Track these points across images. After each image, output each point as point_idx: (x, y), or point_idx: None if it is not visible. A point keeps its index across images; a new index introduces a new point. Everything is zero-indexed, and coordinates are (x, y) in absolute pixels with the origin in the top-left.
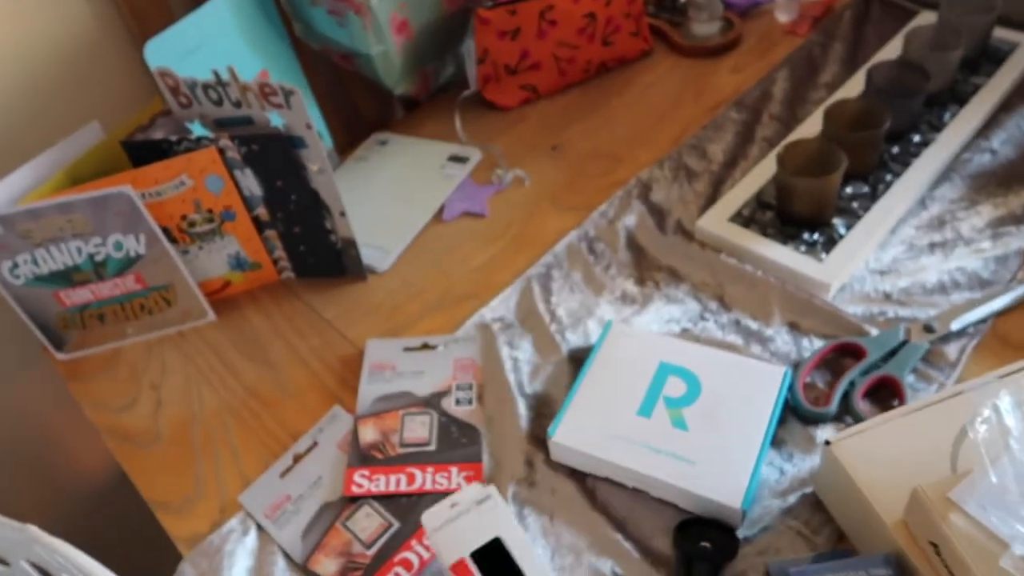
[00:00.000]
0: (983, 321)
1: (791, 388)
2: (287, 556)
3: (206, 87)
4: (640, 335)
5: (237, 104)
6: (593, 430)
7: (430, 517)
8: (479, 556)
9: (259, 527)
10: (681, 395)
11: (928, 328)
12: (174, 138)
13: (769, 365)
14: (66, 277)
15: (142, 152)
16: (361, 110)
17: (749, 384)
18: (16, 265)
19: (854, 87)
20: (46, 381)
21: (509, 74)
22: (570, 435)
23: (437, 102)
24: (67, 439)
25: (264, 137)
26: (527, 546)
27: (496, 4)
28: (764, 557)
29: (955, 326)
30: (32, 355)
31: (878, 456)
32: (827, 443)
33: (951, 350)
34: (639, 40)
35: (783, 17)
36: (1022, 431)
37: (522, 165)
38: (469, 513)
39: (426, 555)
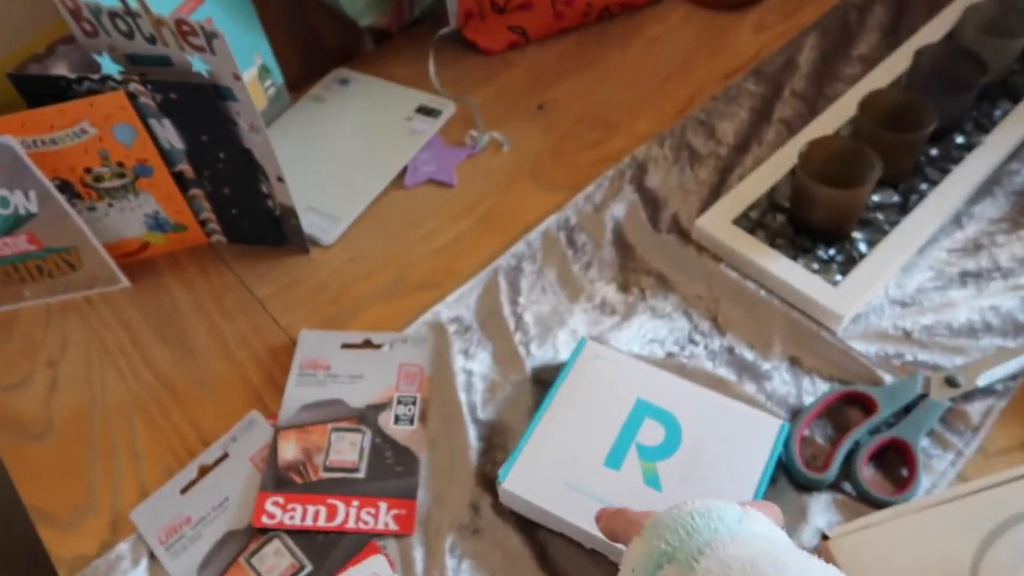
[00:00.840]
0: (1014, 378)
1: (786, 444)
2: None
3: (113, 15)
4: (618, 360)
5: (151, 40)
6: (550, 479)
7: None
8: None
9: (152, 555)
10: (657, 444)
11: (951, 381)
12: (74, 76)
13: (764, 415)
14: None
15: (35, 88)
16: (323, 39)
17: (738, 438)
18: None
19: (894, 66)
20: None
21: (496, 12)
22: (523, 482)
23: (412, 37)
24: None
25: (184, 85)
26: None
27: None
28: None
29: (982, 381)
30: None
31: (884, 561)
32: (825, 537)
33: (975, 410)
34: None
35: None
36: None
37: (501, 126)
38: None
39: None
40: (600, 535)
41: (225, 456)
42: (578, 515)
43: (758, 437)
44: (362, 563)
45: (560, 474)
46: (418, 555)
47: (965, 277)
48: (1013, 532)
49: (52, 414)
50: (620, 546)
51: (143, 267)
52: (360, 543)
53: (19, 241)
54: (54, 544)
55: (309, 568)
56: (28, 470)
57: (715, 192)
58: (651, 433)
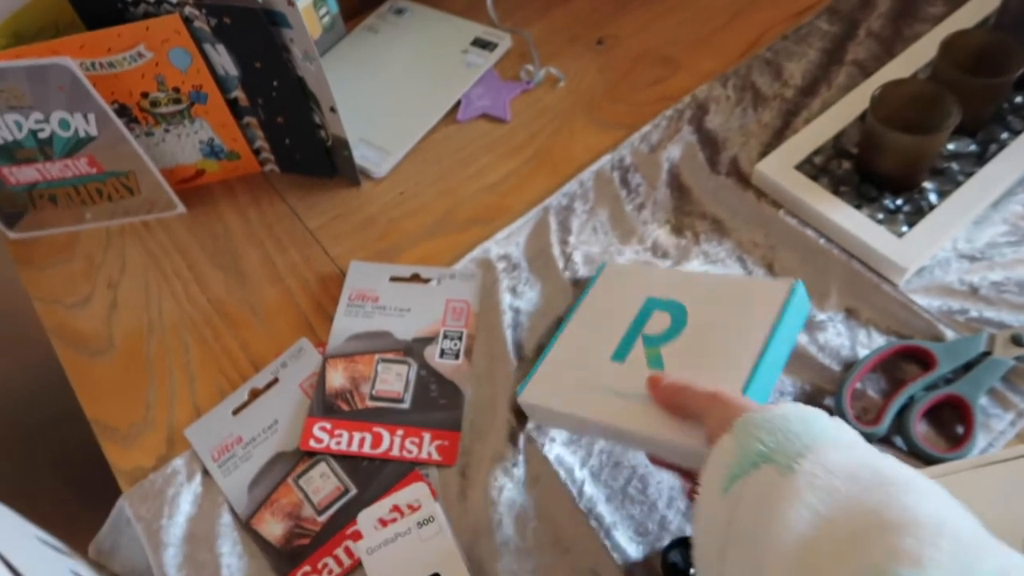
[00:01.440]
0: None
1: (837, 395)
2: (233, 511)
3: None
4: (635, 271)
5: None
6: (564, 383)
7: (366, 524)
8: None
9: (206, 472)
10: (662, 331)
11: (1017, 340)
12: None
13: (775, 280)
14: (8, 153)
15: (93, 9)
16: None
17: (744, 306)
18: None
19: (981, 6)
20: None
21: None
22: (538, 392)
23: None
24: (9, 334)
25: (238, 9)
26: None
27: None
28: None
29: None
30: None
31: None
32: None
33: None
34: None
35: None
36: None
37: (558, 60)
38: (409, 535)
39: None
40: (608, 423)
41: (275, 381)
42: (585, 408)
43: (765, 300)
44: (405, 489)
45: (572, 377)
46: (459, 485)
47: None
48: None
49: (112, 332)
50: (627, 428)
51: (198, 194)
52: (403, 471)
53: (80, 164)
54: (114, 456)
55: (354, 492)
56: (90, 385)
57: (778, 136)
58: (658, 323)
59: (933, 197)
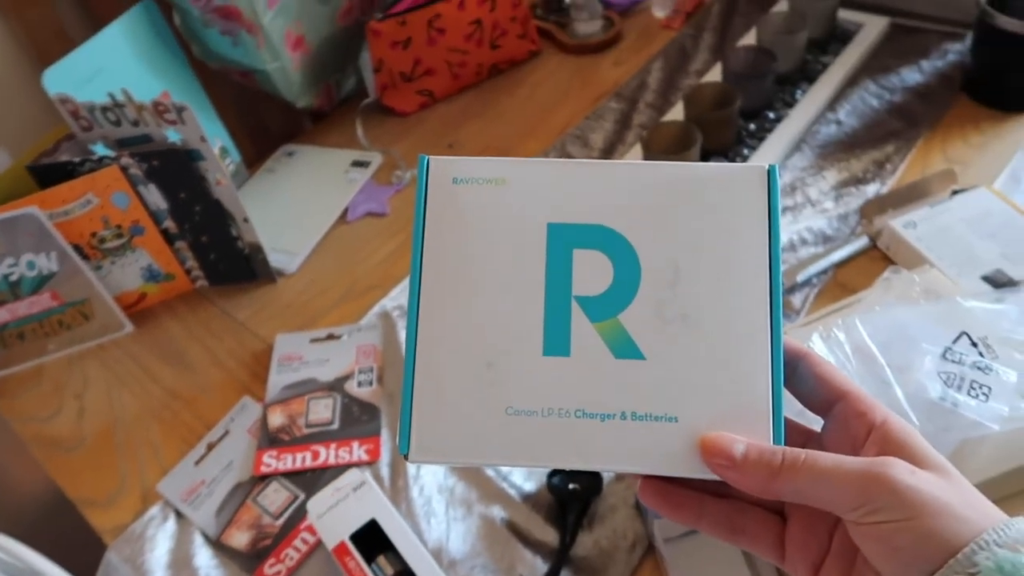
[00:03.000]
0: (824, 272)
1: None
2: (204, 535)
3: (104, 109)
4: (489, 171)
5: (135, 123)
6: (477, 417)
7: (314, 504)
8: (358, 537)
9: (178, 513)
10: (607, 288)
11: None
12: (77, 159)
13: (735, 168)
14: None
15: (48, 175)
16: (268, 125)
17: (709, 219)
18: None
19: (719, 73)
20: None
21: (405, 81)
22: (437, 443)
23: (342, 112)
24: None
25: (163, 152)
26: (400, 523)
27: (386, 16)
28: (632, 490)
29: (800, 278)
30: None
31: None
32: None
33: (796, 299)
34: (526, 42)
35: (659, 13)
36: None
37: None
38: (347, 499)
39: None
40: (592, 466)
41: (227, 433)
42: (539, 452)
43: (738, 205)
44: (339, 477)
45: (489, 402)
46: (385, 473)
47: (784, 211)
48: None
49: (83, 432)
50: (627, 469)
51: (143, 315)
52: (339, 473)
53: (43, 299)
54: (97, 520)
55: (303, 496)
56: (68, 473)
57: None
58: (590, 273)
59: None
